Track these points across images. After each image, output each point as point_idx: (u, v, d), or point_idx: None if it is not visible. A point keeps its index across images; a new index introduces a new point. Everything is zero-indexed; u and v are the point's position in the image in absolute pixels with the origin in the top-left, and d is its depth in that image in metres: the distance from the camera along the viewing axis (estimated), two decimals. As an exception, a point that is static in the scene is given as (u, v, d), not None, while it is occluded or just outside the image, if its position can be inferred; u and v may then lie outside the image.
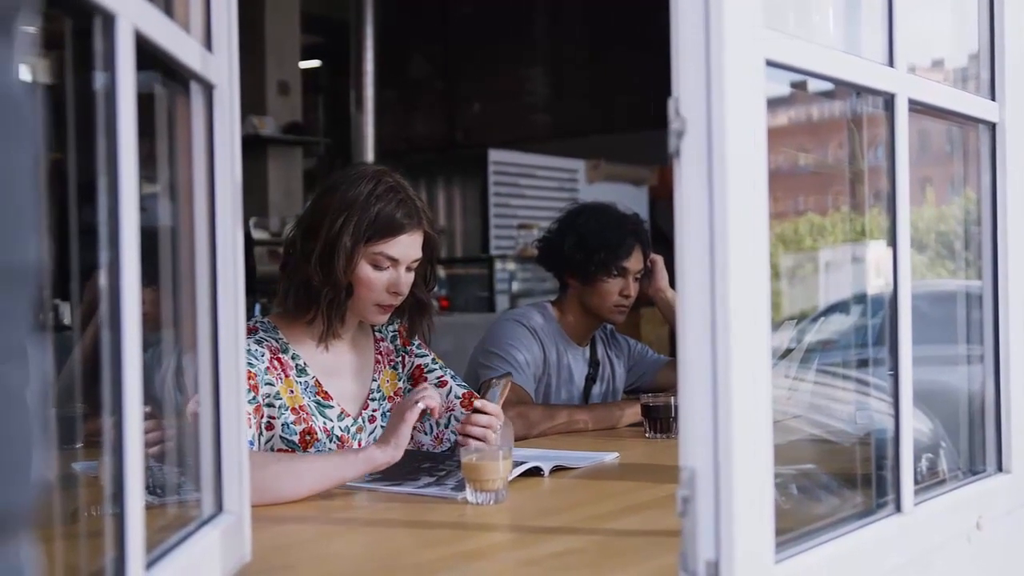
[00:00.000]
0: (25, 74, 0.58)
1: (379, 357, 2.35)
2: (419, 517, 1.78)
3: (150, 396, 1.09)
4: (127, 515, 1.00)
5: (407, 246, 2.18)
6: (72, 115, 1.08)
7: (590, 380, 3.10)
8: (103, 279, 1.00)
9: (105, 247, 1.00)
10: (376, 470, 1.95)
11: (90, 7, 0.95)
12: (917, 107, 1.55)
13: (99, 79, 1.01)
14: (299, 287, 2.18)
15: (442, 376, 2.37)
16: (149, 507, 1.08)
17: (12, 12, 0.55)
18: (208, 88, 1.33)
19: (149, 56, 1.11)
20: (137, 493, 1.02)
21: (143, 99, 1.06)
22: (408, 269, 2.20)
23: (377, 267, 2.16)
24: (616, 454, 2.35)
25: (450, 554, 1.56)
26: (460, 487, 1.90)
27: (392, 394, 2.33)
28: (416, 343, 2.40)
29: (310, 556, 1.58)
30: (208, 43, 1.34)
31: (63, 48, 1.04)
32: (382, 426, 2.28)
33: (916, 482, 1.53)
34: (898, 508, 1.50)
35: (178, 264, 1.36)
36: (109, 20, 0.98)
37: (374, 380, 2.32)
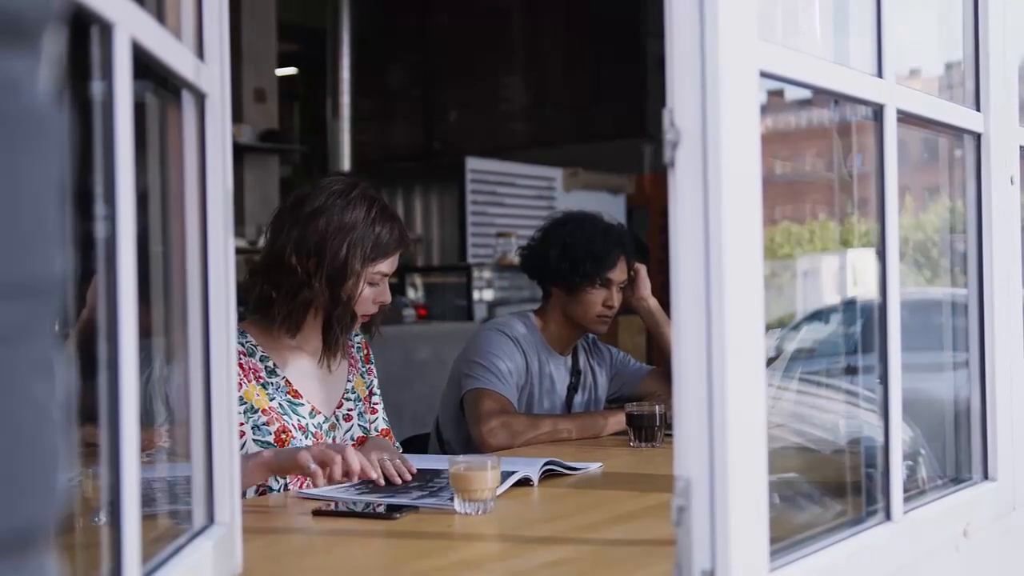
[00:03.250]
0: (51, 86, 0.58)
1: (352, 360, 2.44)
2: (408, 528, 1.77)
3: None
4: (123, 527, 0.99)
5: (395, 261, 2.32)
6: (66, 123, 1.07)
7: (572, 389, 3.10)
8: (100, 289, 0.99)
9: (102, 256, 0.99)
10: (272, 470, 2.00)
11: (88, 16, 0.94)
12: (904, 117, 1.56)
13: (95, 87, 1.00)
14: (303, 307, 2.24)
15: (378, 404, 2.49)
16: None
17: (39, 25, 0.55)
18: (200, 97, 1.33)
19: (141, 64, 1.10)
20: (134, 505, 1.01)
21: (134, 108, 1.05)
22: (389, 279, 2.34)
23: (371, 284, 2.28)
24: (600, 464, 2.35)
25: (441, 565, 1.56)
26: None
27: (363, 398, 2.43)
28: (372, 363, 2.51)
29: (300, 568, 1.57)
30: (200, 52, 1.33)
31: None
32: (359, 425, 2.38)
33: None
34: (888, 516, 1.50)
35: (168, 273, 1.35)
36: (107, 29, 0.97)
37: (349, 381, 2.40)
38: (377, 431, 2.39)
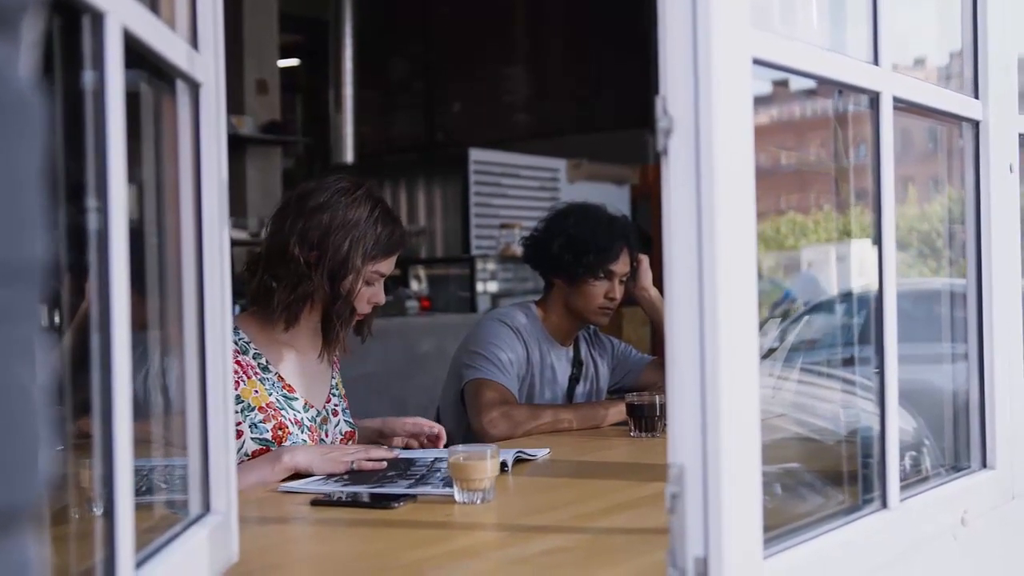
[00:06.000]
0: (30, 73, 0.58)
1: (335, 359, 2.47)
2: (406, 517, 1.78)
3: (133, 397, 1.09)
4: (117, 516, 1.00)
5: (393, 262, 2.35)
6: (57, 114, 1.07)
7: (574, 380, 3.10)
8: (92, 281, 0.99)
9: (94, 248, 0.99)
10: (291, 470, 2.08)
11: (79, 5, 0.94)
12: (901, 105, 1.56)
13: (87, 77, 1.00)
14: (301, 299, 2.26)
15: (343, 404, 2.50)
16: (135, 507, 1.07)
17: (18, 12, 0.55)
18: (194, 87, 1.33)
19: (135, 54, 1.10)
20: (127, 494, 1.01)
21: (127, 98, 1.05)
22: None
23: (368, 283, 2.30)
24: (547, 450, 2.37)
25: (439, 553, 1.56)
26: (449, 483, 1.89)
27: (343, 395, 2.47)
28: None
29: (297, 556, 1.58)
30: (194, 41, 1.33)
31: (49, 45, 1.03)
32: (345, 420, 2.42)
33: (900, 479, 1.54)
34: (884, 504, 1.50)
35: (163, 264, 1.35)
36: (98, 18, 0.97)
37: (333, 378, 2.44)
38: (341, 434, 2.41)
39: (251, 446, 2.19)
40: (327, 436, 2.35)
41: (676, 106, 1.16)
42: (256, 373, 2.25)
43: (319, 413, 2.35)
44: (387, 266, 2.32)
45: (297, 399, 2.30)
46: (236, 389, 2.18)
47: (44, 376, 0.58)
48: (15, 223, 0.54)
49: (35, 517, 0.57)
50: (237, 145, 7.25)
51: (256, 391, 2.24)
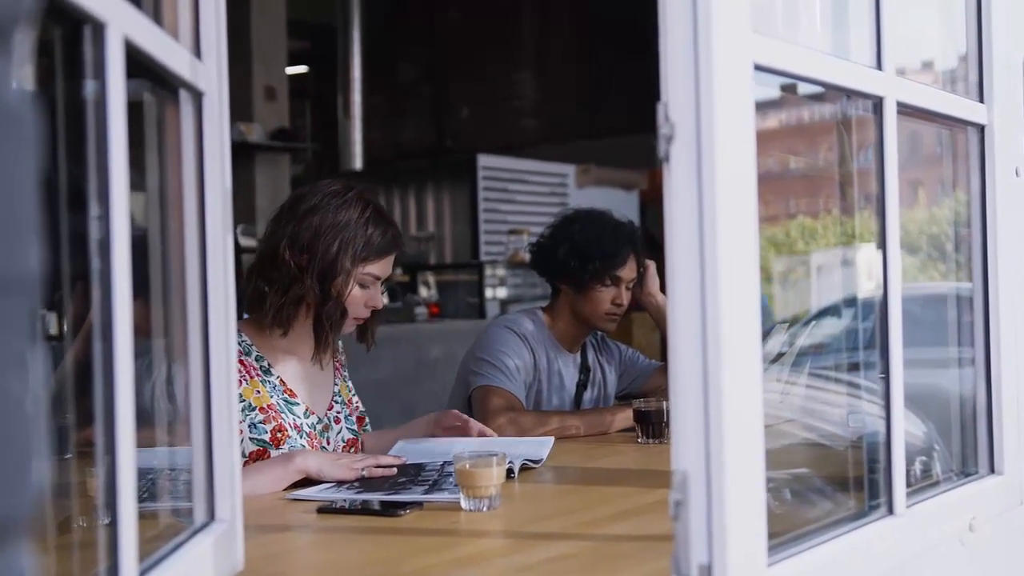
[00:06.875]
0: (24, 84, 0.58)
1: (337, 365, 2.47)
2: (412, 524, 1.77)
3: (140, 406, 1.09)
4: (120, 524, 1.00)
5: (389, 265, 2.34)
6: (60, 123, 1.08)
7: (581, 386, 3.10)
8: (95, 289, 1.00)
9: (96, 256, 1.00)
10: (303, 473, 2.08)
11: (81, 15, 0.94)
12: (906, 110, 1.56)
13: (88, 87, 1.01)
14: (293, 303, 2.26)
15: (346, 412, 2.48)
16: (140, 515, 1.07)
17: (11, 23, 0.55)
18: (197, 96, 1.33)
19: (138, 64, 1.11)
20: (130, 502, 1.01)
21: (131, 107, 1.05)
22: (383, 284, 2.36)
23: (362, 286, 2.30)
24: (551, 439, 2.37)
25: (444, 561, 1.56)
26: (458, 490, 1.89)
27: (347, 401, 2.46)
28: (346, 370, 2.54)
29: (302, 565, 1.58)
30: (197, 51, 1.33)
31: (51, 55, 1.04)
32: (347, 427, 2.42)
33: (909, 485, 1.53)
34: (890, 510, 1.50)
35: (168, 273, 1.36)
36: (99, 29, 0.98)
37: (335, 384, 2.44)
38: (343, 441, 2.41)
39: (249, 446, 2.19)
40: (328, 444, 2.35)
41: (677, 112, 1.16)
42: (258, 374, 2.26)
43: (320, 420, 2.34)
44: (380, 268, 2.30)
45: (298, 404, 2.30)
46: (238, 388, 2.18)
47: (38, 387, 0.58)
48: (9, 234, 0.54)
49: (30, 528, 0.57)
50: (246, 152, 7.26)
51: (258, 391, 2.24)
